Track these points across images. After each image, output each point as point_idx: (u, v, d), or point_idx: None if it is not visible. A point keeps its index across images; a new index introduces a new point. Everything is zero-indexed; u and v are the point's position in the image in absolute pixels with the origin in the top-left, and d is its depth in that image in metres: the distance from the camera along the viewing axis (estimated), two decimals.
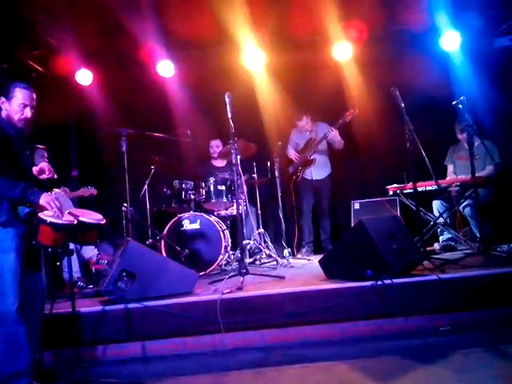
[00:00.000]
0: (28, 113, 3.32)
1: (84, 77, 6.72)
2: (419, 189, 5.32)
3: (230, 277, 4.69)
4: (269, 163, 6.47)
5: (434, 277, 3.88)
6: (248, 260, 5.79)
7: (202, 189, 5.91)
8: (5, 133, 3.26)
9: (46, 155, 5.29)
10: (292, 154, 6.73)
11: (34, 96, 3.39)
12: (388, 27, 6.47)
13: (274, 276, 4.73)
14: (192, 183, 6.00)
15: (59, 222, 3.16)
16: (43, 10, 5.56)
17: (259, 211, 6.39)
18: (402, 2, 5.95)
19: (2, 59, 6.13)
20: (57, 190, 3.34)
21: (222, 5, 5.68)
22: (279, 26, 6.17)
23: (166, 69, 6.77)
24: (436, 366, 3.17)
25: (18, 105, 3.29)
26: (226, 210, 6.08)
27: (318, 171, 6.68)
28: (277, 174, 6.37)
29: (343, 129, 6.52)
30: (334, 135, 6.41)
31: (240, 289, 4.17)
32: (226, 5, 5.70)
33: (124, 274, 4.05)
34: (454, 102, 4.91)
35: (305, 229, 6.69)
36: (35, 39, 6.26)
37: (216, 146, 6.72)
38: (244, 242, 5.51)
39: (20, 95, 3.30)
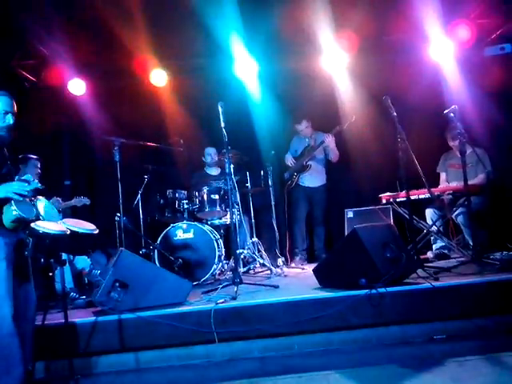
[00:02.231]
0: (10, 120, 3.26)
1: (77, 87, 6.71)
2: (412, 197, 5.32)
3: (223, 286, 4.68)
4: (262, 172, 6.48)
5: (428, 285, 3.89)
6: (242, 269, 5.77)
7: (196, 198, 5.90)
8: None
9: (38, 165, 5.28)
10: (289, 159, 6.76)
11: (14, 103, 3.32)
12: (380, 37, 6.52)
13: (268, 285, 4.72)
14: (185, 192, 5.99)
15: (52, 232, 3.14)
16: (36, 20, 5.56)
17: (253, 220, 6.39)
18: (394, 12, 5.99)
19: None
20: (40, 197, 3.30)
21: (214, 15, 5.70)
22: (272, 36, 6.21)
23: (158, 78, 6.78)
24: (431, 374, 3.16)
25: None
26: (220, 219, 6.07)
27: (313, 179, 6.70)
28: (270, 182, 6.38)
29: (337, 137, 6.56)
30: (330, 141, 6.46)
31: (234, 298, 4.15)
32: (217, 15, 5.72)
33: (117, 284, 4.04)
34: (446, 111, 4.93)
35: (298, 236, 6.69)
36: (28, 49, 6.26)
37: (213, 153, 6.71)
38: (238, 252, 5.50)
39: (0, 102, 3.24)
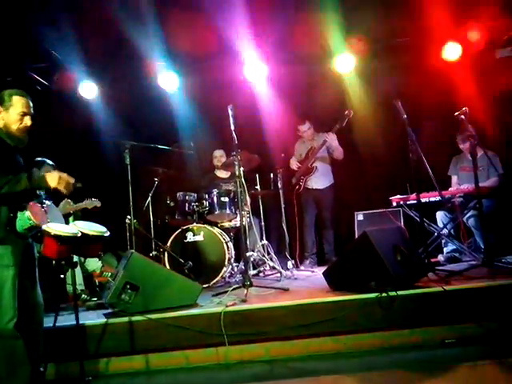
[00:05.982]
0: (28, 122, 3.22)
1: (88, 90, 6.75)
2: (423, 200, 5.31)
3: (233, 289, 4.68)
4: (272, 175, 6.47)
5: (439, 288, 3.86)
6: (252, 272, 5.75)
7: (206, 200, 5.89)
8: (5, 144, 3.17)
9: (51, 171, 5.30)
10: (294, 164, 6.74)
11: (31, 104, 3.29)
12: (390, 39, 6.51)
13: (278, 288, 4.72)
14: (195, 195, 5.99)
15: (63, 234, 3.16)
16: (47, 24, 5.60)
17: (263, 223, 6.38)
18: (405, 14, 5.97)
19: (6, 72, 6.16)
20: (47, 202, 3.32)
21: (224, 17, 5.72)
22: (282, 39, 6.21)
23: (169, 81, 6.80)
24: (442, 378, 3.15)
25: (17, 113, 3.18)
26: (230, 221, 6.06)
27: (319, 180, 6.67)
28: (280, 185, 6.36)
29: (345, 138, 6.56)
30: (332, 139, 6.44)
31: (244, 301, 4.17)
32: (228, 17, 5.73)
33: (128, 286, 4.06)
34: (457, 113, 4.91)
35: (308, 240, 6.65)
36: (39, 52, 6.30)
37: (220, 155, 6.73)
38: (248, 254, 5.49)
39: (19, 103, 3.20)
